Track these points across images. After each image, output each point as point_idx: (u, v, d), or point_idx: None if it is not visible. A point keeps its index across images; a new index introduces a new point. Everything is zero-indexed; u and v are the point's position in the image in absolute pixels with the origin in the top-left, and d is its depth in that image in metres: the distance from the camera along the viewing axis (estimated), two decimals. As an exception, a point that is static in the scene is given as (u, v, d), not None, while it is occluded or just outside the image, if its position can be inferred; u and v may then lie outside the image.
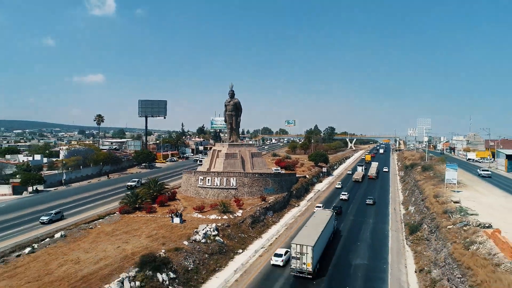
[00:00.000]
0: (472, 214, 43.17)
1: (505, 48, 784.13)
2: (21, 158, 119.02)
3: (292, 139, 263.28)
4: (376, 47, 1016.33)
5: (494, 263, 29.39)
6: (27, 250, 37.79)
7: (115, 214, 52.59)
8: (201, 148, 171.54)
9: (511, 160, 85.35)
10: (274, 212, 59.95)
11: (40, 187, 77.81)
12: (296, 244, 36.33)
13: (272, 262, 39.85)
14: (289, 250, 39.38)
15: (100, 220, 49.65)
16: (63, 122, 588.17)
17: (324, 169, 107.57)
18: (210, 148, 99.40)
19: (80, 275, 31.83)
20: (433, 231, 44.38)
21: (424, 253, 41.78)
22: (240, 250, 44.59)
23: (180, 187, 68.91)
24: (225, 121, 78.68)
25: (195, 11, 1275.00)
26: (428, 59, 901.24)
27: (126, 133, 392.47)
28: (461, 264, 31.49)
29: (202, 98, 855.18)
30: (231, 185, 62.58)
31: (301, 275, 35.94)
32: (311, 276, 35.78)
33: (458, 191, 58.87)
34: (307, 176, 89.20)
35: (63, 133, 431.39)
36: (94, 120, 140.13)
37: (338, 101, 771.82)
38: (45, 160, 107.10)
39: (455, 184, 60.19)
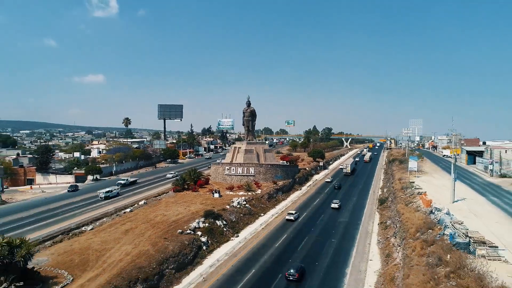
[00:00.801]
0: (417, 189, 64.40)
1: (498, 49, 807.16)
2: (62, 155, 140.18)
3: (292, 138, 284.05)
4: (374, 48, 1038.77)
5: (416, 209, 50.74)
6: (128, 209, 58.93)
7: (170, 192, 73.69)
8: (212, 146, 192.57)
9: (470, 155, 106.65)
10: (283, 193, 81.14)
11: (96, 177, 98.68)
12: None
13: (286, 218, 60.94)
14: (297, 211, 60.93)
15: (163, 195, 70.86)
16: (64, 122, 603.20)
17: (321, 164, 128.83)
18: (218, 147, 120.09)
19: (170, 220, 52.67)
20: (392, 201, 65.66)
21: (385, 214, 62.87)
22: (262, 214, 65.66)
23: (210, 175, 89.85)
24: (243, 124, 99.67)
25: (195, 12, 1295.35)
26: (426, 59, 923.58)
27: (133, 133, 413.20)
28: (400, 213, 52.75)
29: (204, 99, 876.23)
30: (250, 173, 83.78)
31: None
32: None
33: (418, 176, 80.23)
34: (307, 168, 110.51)
35: (71, 134, 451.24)
36: (122, 123, 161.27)
37: (336, 102, 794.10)
38: (82, 157, 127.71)
39: (416, 171, 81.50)
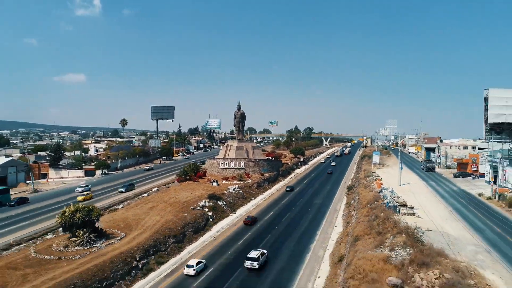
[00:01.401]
0: (376, 177, 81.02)
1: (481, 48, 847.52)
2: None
3: (275, 138, 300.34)
4: (353, 50, 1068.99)
5: (370, 190, 67.09)
6: (146, 194, 73.09)
7: (175, 182, 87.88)
8: (201, 145, 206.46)
9: (427, 151, 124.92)
10: (269, 183, 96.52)
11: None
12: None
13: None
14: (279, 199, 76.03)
15: (169, 184, 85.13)
16: (44, 122, 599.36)
17: (302, 160, 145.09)
18: (206, 146, 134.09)
19: (182, 201, 67.04)
20: (356, 186, 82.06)
21: (351, 197, 79.03)
22: (252, 198, 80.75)
23: (206, 169, 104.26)
24: (234, 125, 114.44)
25: (178, 14, 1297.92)
26: (405, 60, 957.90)
27: (120, 133, 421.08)
28: (360, 193, 68.96)
29: (189, 99, 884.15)
30: (241, 166, 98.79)
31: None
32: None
33: (380, 168, 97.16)
34: (289, 163, 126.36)
35: (55, 133, 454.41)
36: (120, 123, 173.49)
37: (317, 103, 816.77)
38: (82, 154, 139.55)
39: (379, 164, 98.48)
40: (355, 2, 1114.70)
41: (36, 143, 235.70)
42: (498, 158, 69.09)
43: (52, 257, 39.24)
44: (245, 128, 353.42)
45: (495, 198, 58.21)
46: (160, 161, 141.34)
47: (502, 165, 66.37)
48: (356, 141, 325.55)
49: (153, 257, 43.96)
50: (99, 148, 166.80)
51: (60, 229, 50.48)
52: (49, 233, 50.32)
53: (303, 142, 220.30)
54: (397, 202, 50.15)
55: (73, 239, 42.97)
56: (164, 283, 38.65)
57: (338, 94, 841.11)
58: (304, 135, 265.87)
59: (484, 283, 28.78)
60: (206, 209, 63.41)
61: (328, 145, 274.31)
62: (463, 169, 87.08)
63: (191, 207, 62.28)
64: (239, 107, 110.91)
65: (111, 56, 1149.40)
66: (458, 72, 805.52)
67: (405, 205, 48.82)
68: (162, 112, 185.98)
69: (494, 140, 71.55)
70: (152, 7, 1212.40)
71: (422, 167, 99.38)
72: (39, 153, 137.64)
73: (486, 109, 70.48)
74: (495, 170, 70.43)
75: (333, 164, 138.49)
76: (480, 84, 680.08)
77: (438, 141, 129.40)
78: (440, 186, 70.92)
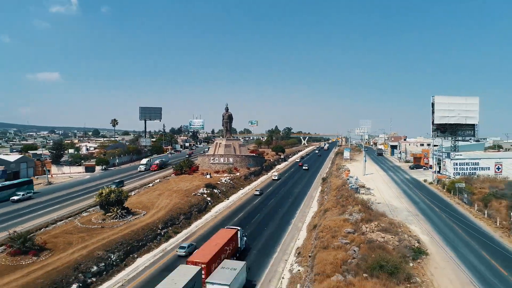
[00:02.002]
0: (345, 169, 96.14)
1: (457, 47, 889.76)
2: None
3: (255, 137, 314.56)
4: (331, 49, 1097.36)
5: (340, 178, 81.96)
6: (150, 184, 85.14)
7: (172, 175, 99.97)
8: (186, 144, 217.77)
9: (393, 149, 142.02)
10: (254, 175, 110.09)
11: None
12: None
13: (255, 193, 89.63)
14: (262, 190, 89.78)
15: (168, 176, 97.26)
16: (16, 122, 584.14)
17: (282, 157, 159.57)
18: (191, 145, 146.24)
19: (183, 189, 79.53)
20: (329, 177, 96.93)
21: (324, 186, 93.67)
22: (241, 188, 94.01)
23: (199, 164, 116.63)
24: (223, 125, 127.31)
25: (156, 12, 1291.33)
26: (381, 61, 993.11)
27: (101, 133, 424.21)
28: (331, 182, 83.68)
29: (168, 99, 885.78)
30: (230, 161, 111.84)
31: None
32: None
33: (350, 163, 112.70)
34: (271, 159, 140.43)
35: (32, 133, 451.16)
36: (110, 123, 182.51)
37: (296, 103, 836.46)
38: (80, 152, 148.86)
39: (349, 159, 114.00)
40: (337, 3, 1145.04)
41: (22, 142, 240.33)
42: (441, 152, 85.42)
43: (96, 226, 51.41)
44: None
45: (435, 183, 74.04)
46: (150, 159, 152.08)
47: (442, 158, 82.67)
48: (334, 140, 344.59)
49: (170, 228, 56.63)
50: (89, 146, 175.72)
51: (91, 208, 62.54)
52: (83, 212, 61.86)
53: (282, 141, 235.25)
54: (358, 185, 64.84)
55: (108, 214, 55.16)
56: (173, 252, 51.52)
57: (316, 95, 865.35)
58: (284, 134, 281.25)
59: (407, 230, 43.49)
60: (205, 195, 76.34)
61: (306, 144, 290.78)
62: (417, 162, 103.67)
63: (193, 193, 75.08)
64: (227, 109, 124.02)
65: (87, 54, 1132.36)
66: (428, 74, 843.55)
67: (364, 187, 63.63)
68: (150, 113, 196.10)
69: (439, 137, 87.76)
70: (129, 4, 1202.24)
71: (376, 153, 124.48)
72: (35, 151, 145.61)
73: (433, 112, 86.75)
74: (439, 161, 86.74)
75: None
76: (444, 86, 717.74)
77: (402, 140, 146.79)
78: (396, 175, 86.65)
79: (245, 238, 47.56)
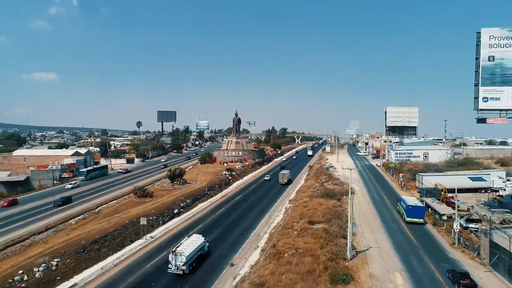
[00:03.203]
0: (325, 158, 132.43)
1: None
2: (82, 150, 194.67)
3: (253, 137, 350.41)
4: (328, 50, 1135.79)
5: (320, 164, 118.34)
6: (187, 168, 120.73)
7: (198, 164, 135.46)
8: (196, 143, 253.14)
9: (366, 145, 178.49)
10: (258, 165, 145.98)
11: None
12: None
13: (264, 179, 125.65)
14: (269, 175, 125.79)
15: (196, 164, 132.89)
16: (14, 122, 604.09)
17: (279, 152, 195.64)
18: (200, 143, 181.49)
19: (212, 172, 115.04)
20: (313, 165, 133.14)
21: (311, 172, 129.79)
22: (250, 173, 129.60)
23: (215, 156, 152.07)
24: (233, 126, 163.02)
25: (151, 13, 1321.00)
26: (370, 61, 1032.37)
27: (109, 133, 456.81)
28: (313, 167, 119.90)
29: (171, 101, 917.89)
30: (239, 154, 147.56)
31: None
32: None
33: (330, 155, 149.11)
34: (270, 154, 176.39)
35: (43, 133, 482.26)
36: (136, 125, 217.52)
37: (291, 104, 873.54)
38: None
39: (329, 152, 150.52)
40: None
41: (50, 141, 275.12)
42: (390, 146, 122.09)
43: (170, 188, 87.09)
44: (225, 129, 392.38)
45: (381, 166, 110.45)
46: (170, 154, 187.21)
47: (390, 149, 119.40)
48: (324, 139, 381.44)
49: (211, 191, 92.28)
50: (116, 144, 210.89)
51: (157, 182, 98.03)
52: (155, 182, 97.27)
53: (279, 140, 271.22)
54: (329, 166, 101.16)
55: (174, 182, 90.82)
56: (218, 201, 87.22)
57: (310, 96, 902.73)
58: (280, 134, 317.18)
59: (348, 186, 79.63)
60: (227, 175, 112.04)
61: (300, 143, 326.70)
62: (377, 153, 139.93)
63: (219, 173, 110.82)
64: (236, 114, 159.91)
65: (84, 55, 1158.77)
66: (412, 75, 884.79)
67: (332, 167, 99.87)
68: (166, 116, 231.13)
69: (391, 135, 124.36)
70: (130, 6, 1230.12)
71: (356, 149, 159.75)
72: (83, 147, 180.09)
73: (385, 118, 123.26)
74: (388, 152, 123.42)
75: (309, 153, 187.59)
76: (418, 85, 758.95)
77: (375, 138, 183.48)
78: (359, 162, 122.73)
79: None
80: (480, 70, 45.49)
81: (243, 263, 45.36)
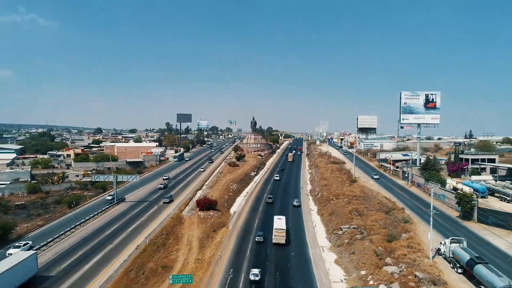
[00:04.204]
0: (319, 148, 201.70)
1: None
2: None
3: (240, 136, 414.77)
4: (304, 52, 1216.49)
5: (318, 151, 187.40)
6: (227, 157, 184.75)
7: (232, 152, 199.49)
8: (206, 139, 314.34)
9: (341, 140, 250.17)
10: (271, 153, 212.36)
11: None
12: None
13: (284, 158, 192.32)
14: (285, 156, 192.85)
15: (232, 152, 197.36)
16: None
17: (278, 145, 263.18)
18: (205, 141, 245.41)
19: (252, 156, 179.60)
20: (311, 153, 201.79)
21: (309, 158, 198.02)
22: (270, 159, 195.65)
23: (243, 149, 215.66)
24: (251, 127, 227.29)
25: (126, 12, 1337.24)
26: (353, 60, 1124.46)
27: (104, 131, 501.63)
28: (315, 157, 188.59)
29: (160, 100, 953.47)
30: (258, 147, 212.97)
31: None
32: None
33: (319, 147, 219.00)
34: (273, 147, 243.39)
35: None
36: (165, 124, 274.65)
37: (270, 104, 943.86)
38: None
39: (318, 144, 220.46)
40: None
41: (75, 138, 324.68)
42: (360, 140, 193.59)
43: (238, 165, 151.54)
44: (209, 126, 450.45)
45: (355, 151, 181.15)
46: (197, 147, 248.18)
47: (360, 142, 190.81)
48: (301, 136, 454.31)
49: (261, 165, 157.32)
50: (147, 140, 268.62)
51: (224, 161, 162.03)
52: (222, 162, 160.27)
53: (270, 136, 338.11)
54: (327, 151, 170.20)
55: (239, 161, 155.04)
56: (269, 168, 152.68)
57: (287, 95, 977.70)
58: (268, 132, 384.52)
59: (342, 161, 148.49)
60: (262, 158, 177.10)
61: (282, 139, 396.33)
62: (352, 145, 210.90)
63: (257, 157, 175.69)
64: (253, 118, 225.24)
65: (47, 51, 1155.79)
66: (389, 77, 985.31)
67: (327, 153, 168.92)
68: (184, 118, 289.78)
69: (360, 133, 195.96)
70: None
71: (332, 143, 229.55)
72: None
73: (357, 122, 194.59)
74: (359, 144, 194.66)
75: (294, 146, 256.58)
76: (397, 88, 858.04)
77: (347, 135, 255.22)
78: (340, 151, 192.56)
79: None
80: (400, 108, 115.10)
81: (304, 175, 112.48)
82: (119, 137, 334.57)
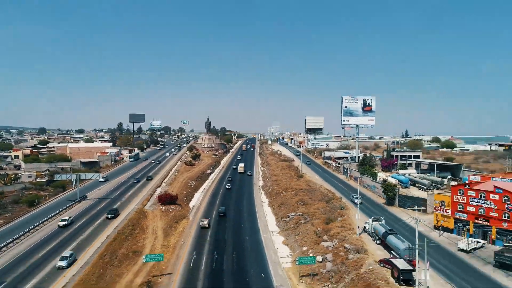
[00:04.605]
0: (270, 147, 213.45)
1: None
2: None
3: (195, 135, 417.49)
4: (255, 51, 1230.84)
5: (273, 152, 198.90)
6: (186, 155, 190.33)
7: (188, 152, 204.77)
8: (160, 139, 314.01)
9: (292, 140, 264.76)
10: (226, 153, 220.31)
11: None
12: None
13: (237, 158, 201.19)
14: (238, 155, 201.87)
15: (187, 152, 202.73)
16: None
17: (231, 145, 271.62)
18: (159, 141, 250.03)
19: (207, 156, 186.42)
20: (263, 152, 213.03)
21: (263, 161, 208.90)
22: (224, 158, 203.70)
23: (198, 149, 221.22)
24: (205, 127, 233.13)
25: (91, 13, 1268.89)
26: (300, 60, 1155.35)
27: (48, 132, 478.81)
28: (266, 156, 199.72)
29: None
30: (213, 147, 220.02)
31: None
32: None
33: (271, 146, 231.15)
34: (227, 146, 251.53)
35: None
36: (118, 126, 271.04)
37: (224, 104, 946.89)
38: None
39: (270, 144, 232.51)
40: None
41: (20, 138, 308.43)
42: (308, 139, 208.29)
43: (193, 163, 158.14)
44: (162, 126, 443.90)
45: (304, 150, 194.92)
46: (151, 147, 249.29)
47: (308, 142, 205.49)
48: (254, 136, 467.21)
49: (216, 164, 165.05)
50: (99, 140, 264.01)
51: (181, 160, 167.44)
52: (178, 161, 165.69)
53: (223, 136, 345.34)
54: (278, 150, 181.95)
55: (194, 161, 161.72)
56: (224, 166, 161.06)
57: (242, 96, 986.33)
58: (221, 132, 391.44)
59: (291, 159, 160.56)
60: (217, 157, 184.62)
61: (236, 139, 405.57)
62: (300, 144, 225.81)
63: (212, 156, 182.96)
64: (208, 118, 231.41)
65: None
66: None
67: (278, 151, 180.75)
68: (137, 118, 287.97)
69: (308, 133, 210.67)
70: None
71: (283, 143, 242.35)
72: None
73: (305, 123, 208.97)
74: (307, 143, 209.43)
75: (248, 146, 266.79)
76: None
77: (298, 135, 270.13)
78: (290, 150, 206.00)
79: None
80: (342, 111, 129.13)
81: (257, 172, 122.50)
82: (67, 137, 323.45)
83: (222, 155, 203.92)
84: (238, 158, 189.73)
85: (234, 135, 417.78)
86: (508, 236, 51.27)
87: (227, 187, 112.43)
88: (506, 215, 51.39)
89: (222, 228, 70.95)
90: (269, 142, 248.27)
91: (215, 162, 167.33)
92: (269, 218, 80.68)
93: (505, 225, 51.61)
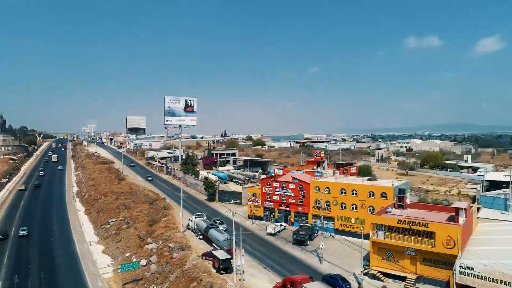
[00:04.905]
0: (89, 149, 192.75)
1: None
2: None
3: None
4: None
5: (90, 154, 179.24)
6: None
7: None
8: None
9: (111, 140, 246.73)
10: (29, 156, 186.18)
11: None
12: None
13: (44, 160, 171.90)
14: (46, 158, 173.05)
15: None
16: None
17: (36, 147, 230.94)
18: None
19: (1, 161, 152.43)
20: (80, 155, 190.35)
21: (77, 164, 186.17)
22: (26, 163, 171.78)
23: None
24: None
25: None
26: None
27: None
28: (82, 158, 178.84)
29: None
30: (9, 150, 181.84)
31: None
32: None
33: (87, 147, 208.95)
34: (31, 149, 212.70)
35: None
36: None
37: (27, 99, 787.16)
38: None
39: (85, 145, 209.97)
40: None
41: None
42: (130, 139, 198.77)
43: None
44: None
45: (125, 150, 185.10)
46: None
47: (130, 142, 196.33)
48: (65, 136, 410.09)
49: (14, 171, 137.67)
50: None
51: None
52: None
53: (24, 138, 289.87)
54: (95, 152, 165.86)
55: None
56: (28, 170, 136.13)
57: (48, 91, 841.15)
58: (21, 134, 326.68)
59: (110, 162, 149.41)
60: (15, 162, 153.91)
61: (41, 140, 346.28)
62: (121, 145, 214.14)
63: (7, 162, 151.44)
64: (1, 116, 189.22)
65: None
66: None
67: (96, 152, 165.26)
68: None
69: (130, 133, 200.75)
70: None
71: (96, 143, 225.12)
72: None
73: (126, 122, 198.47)
74: (130, 142, 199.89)
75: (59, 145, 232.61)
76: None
77: (118, 135, 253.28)
78: (109, 151, 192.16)
79: None
80: (165, 111, 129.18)
81: (71, 188, 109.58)
82: None
83: (23, 160, 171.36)
84: (45, 160, 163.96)
85: (39, 135, 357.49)
86: (302, 218, 63.03)
87: (31, 197, 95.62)
88: (301, 200, 63.00)
89: (25, 249, 60.11)
90: (85, 143, 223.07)
91: (12, 169, 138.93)
92: (86, 227, 73.21)
93: (300, 208, 63.17)
